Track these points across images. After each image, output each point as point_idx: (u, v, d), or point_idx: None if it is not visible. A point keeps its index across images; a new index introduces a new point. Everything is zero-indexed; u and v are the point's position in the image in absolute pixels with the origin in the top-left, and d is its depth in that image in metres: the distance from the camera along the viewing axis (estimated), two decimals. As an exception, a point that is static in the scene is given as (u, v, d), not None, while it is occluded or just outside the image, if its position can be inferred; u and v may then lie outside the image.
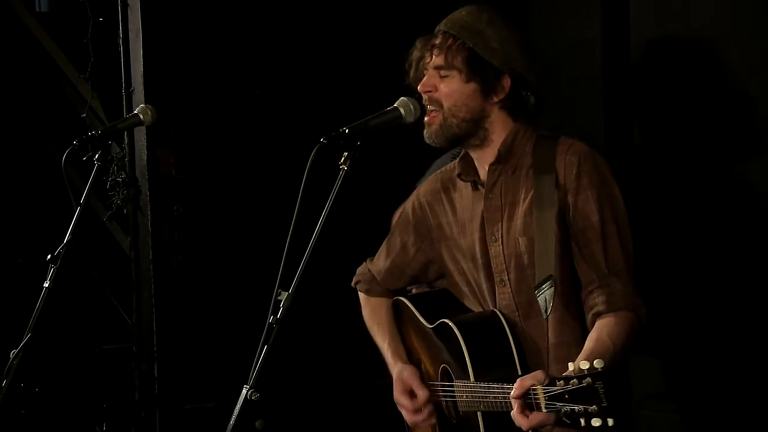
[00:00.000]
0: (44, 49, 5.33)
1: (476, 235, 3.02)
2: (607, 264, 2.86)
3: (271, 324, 2.67)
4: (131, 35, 4.42)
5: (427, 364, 3.16)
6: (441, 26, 3.01)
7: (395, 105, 2.93)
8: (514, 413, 2.64)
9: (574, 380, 2.44)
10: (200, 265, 4.43)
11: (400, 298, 3.27)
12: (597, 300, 2.85)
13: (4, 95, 5.42)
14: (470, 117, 2.97)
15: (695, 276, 3.56)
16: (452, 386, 3.02)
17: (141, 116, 3.55)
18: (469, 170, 3.07)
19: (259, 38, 4.54)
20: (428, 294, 3.27)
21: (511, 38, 2.96)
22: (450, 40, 2.96)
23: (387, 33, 4.43)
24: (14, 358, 3.18)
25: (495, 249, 2.99)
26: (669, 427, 3.64)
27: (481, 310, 3.05)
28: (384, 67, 3.44)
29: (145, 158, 4.39)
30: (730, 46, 3.49)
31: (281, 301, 2.67)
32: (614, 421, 2.41)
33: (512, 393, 2.64)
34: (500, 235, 2.98)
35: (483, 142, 3.01)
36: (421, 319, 3.14)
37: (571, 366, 2.48)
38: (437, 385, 3.09)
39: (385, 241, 3.29)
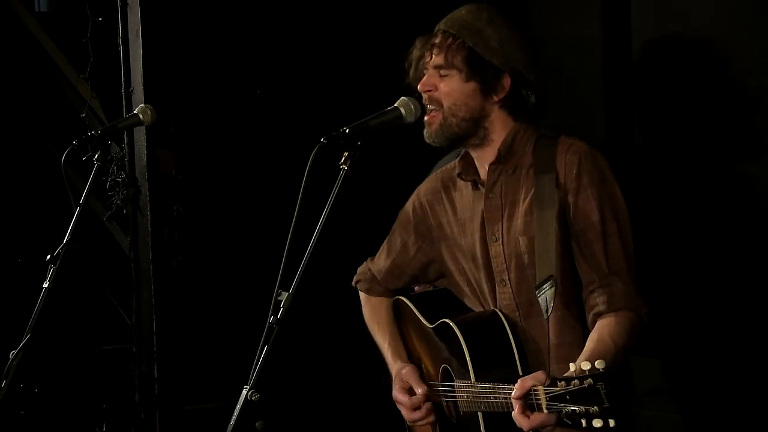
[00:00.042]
0: (43, 48, 5.33)
1: (476, 235, 3.02)
2: (607, 263, 2.86)
3: (271, 324, 2.66)
4: (131, 35, 4.42)
5: (427, 364, 3.15)
6: (441, 25, 3.01)
7: (396, 105, 2.93)
8: (515, 414, 2.63)
9: (575, 381, 2.44)
10: (200, 266, 4.42)
11: (401, 297, 3.26)
12: (598, 300, 2.85)
13: (4, 95, 5.41)
14: (470, 116, 2.97)
15: (696, 275, 3.56)
16: (453, 386, 3.01)
17: (141, 116, 3.54)
18: (469, 170, 3.06)
19: (259, 38, 4.53)
20: (429, 293, 3.27)
21: (511, 37, 2.96)
22: (450, 40, 2.96)
23: (387, 33, 4.42)
24: (14, 359, 3.18)
25: (495, 249, 2.98)
26: (670, 428, 3.64)
27: (481, 309, 3.04)
28: (384, 66, 3.43)
29: (144, 158, 4.38)
30: (731, 46, 3.48)
31: (281, 301, 2.67)
32: (616, 422, 2.41)
33: (513, 393, 2.63)
34: (500, 235, 2.97)
35: (483, 142, 3.01)
36: (422, 319, 3.14)
37: (572, 366, 2.47)
38: (438, 385, 3.09)
39: (386, 240, 3.29)
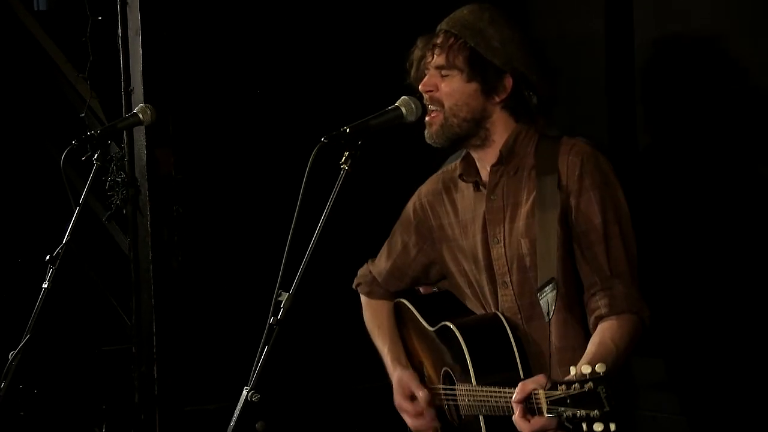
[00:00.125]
0: (43, 48, 5.32)
1: (478, 237, 3.01)
2: (609, 266, 2.85)
3: (271, 325, 2.65)
4: (130, 34, 4.40)
5: (428, 367, 3.14)
6: (442, 25, 3.00)
7: (397, 104, 2.92)
8: (516, 418, 2.62)
9: (576, 384, 2.43)
10: (200, 266, 4.42)
11: (402, 300, 3.25)
12: (599, 303, 2.84)
13: (3, 95, 5.40)
14: (471, 117, 2.96)
15: (699, 277, 3.55)
16: (454, 390, 3.00)
17: (140, 116, 3.54)
18: (470, 171, 3.05)
19: (259, 37, 4.52)
20: (430, 296, 3.26)
21: (513, 37, 2.94)
22: (451, 40, 2.94)
23: (388, 32, 4.42)
24: (13, 360, 3.17)
25: (497, 251, 2.97)
26: (671, 428, 3.63)
27: (483, 311, 3.03)
28: (385, 66, 3.42)
29: (144, 158, 4.37)
30: (735, 46, 3.47)
31: (282, 301, 2.66)
32: (616, 426, 2.39)
33: (514, 397, 2.62)
34: (502, 237, 2.96)
35: (484, 143, 2.99)
36: (423, 322, 3.12)
37: (573, 370, 2.46)
38: (439, 389, 3.07)
39: (386, 242, 3.28)
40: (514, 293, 2.94)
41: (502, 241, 2.96)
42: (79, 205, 3.29)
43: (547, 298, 2.79)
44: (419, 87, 2.99)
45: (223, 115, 4.48)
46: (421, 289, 3.32)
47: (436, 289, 3.28)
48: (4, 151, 5.47)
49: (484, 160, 3.01)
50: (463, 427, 3.01)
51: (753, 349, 3.43)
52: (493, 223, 2.98)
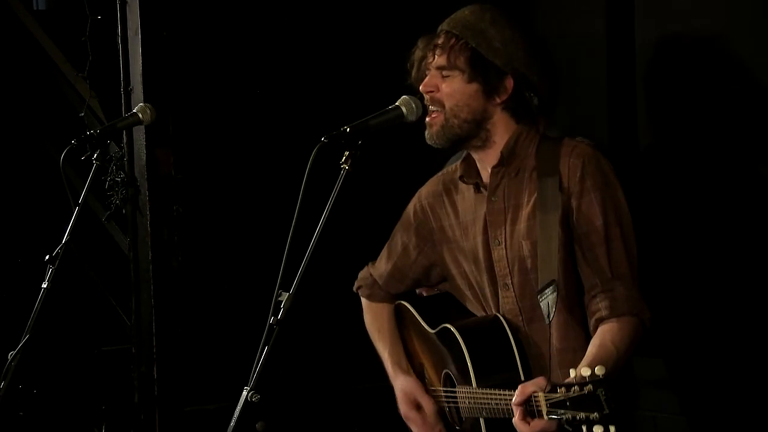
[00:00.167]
0: (42, 47, 5.31)
1: (479, 238, 3.00)
2: (610, 268, 2.84)
3: (271, 325, 2.65)
4: (130, 33, 4.39)
5: (429, 370, 3.14)
6: (443, 26, 2.99)
7: (397, 103, 2.92)
8: (516, 420, 2.62)
9: (575, 387, 2.42)
10: (200, 266, 4.41)
11: (402, 302, 3.25)
12: (600, 305, 2.83)
13: (2, 94, 5.39)
14: (472, 118, 2.95)
15: (699, 278, 3.54)
16: (455, 392, 2.99)
17: (140, 115, 3.54)
18: (471, 172, 3.04)
19: (259, 37, 4.51)
20: (431, 298, 3.26)
21: (514, 38, 2.94)
22: (452, 40, 2.94)
23: (388, 32, 4.41)
24: (12, 360, 3.17)
25: (498, 252, 2.96)
26: (671, 428, 3.62)
27: (483, 313, 3.03)
28: (386, 66, 3.41)
29: (144, 158, 4.36)
30: (735, 46, 3.46)
31: (282, 302, 2.66)
32: (616, 428, 2.39)
33: (514, 399, 2.62)
34: (503, 239, 2.95)
35: (485, 144, 2.99)
36: (423, 324, 3.12)
37: (572, 372, 2.46)
38: (440, 391, 3.07)
39: (387, 244, 3.28)
40: (515, 295, 2.94)
41: (503, 243, 2.95)
42: (78, 204, 3.29)
43: (548, 299, 2.78)
44: (420, 88, 2.98)
45: (223, 114, 4.47)
46: (424, 291, 3.32)
47: (437, 291, 3.27)
48: (3, 150, 5.46)
49: (485, 162, 3.01)
50: (464, 429, 3.01)
51: (753, 349, 3.42)
52: (494, 225, 2.97)
